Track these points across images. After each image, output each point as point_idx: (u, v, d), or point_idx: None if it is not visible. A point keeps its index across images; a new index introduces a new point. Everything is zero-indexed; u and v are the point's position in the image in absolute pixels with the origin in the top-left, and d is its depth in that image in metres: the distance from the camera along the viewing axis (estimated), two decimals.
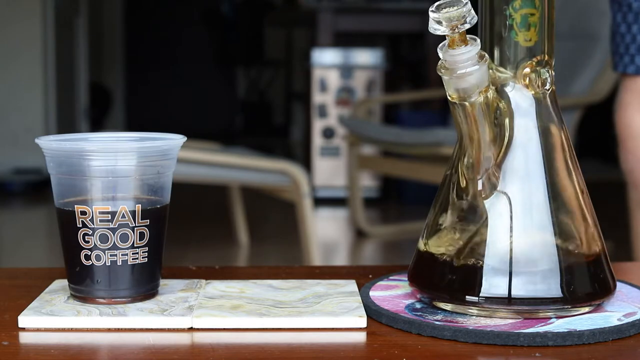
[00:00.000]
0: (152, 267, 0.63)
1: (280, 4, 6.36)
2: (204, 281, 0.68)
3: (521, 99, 0.60)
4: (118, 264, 0.62)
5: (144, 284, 0.63)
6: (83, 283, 0.62)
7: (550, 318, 0.59)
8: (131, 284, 0.62)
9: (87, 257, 0.62)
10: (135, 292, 0.63)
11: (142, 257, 0.62)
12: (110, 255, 0.61)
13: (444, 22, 0.55)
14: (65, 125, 5.13)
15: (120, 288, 0.62)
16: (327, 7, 4.36)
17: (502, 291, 0.59)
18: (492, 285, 0.59)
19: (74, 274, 0.63)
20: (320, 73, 4.30)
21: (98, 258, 0.61)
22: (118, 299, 0.62)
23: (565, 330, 0.56)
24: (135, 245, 0.62)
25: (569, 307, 0.59)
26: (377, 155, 3.94)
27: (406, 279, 0.64)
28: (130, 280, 0.62)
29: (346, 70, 4.30)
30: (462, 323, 0.58)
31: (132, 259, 0.62)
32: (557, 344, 0.56)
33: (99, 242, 0.61)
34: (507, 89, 0.60)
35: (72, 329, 0.59)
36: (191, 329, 0.59)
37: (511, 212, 0.59)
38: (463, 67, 0.56)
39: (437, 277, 0.61)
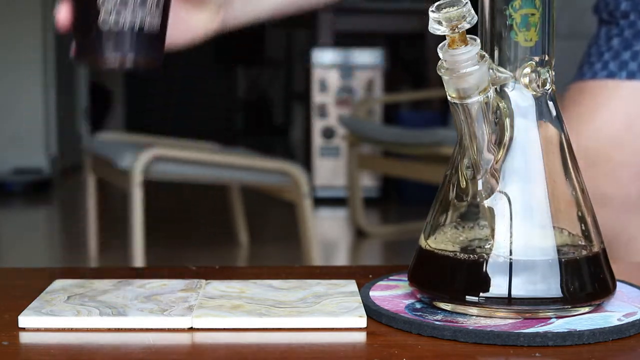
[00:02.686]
0: (162, 32, 0.64)
1: None
2: (204, 281, 0.68)
3: (521, 99, 0.60)
4: (133, 27, 0.62)
5: (154, 49, 0.63)
6: (94, 45, 0.62)
7: (550, 318, 0.59)
8: (141, 46, 0.63)
9: (104, 21, 0.62)
10: (145, 54, 0.63)
11: (155, 20, 0.63)
12: (125, 17, 0.62)
13: (444, 22, 0.55)
14: (66, 125, 5.13)
15: (131, 50, 0.62)
16: (327, 7, 4.36)
17: (502, 291, 0.59)
18: (492, 285, 0.59)
19: (86, 37, 0.63)
20: (320, 73, 4.30)
21: (113, 21, 0.62)
22: (126, 59, 0.62)
23: (565, 330, 0.56)
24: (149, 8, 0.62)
25: (569, 307, 0.59)
26: (377, 155, 3.95)
27: (406, 279, 0.64)
28: (141, 43, 0.63)
29: (346, 70, 4.30)
30: (462, 323, 0.58)
31: (146, 22, 0.62)
32: (557, 344, 0.56)
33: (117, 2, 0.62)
34: (507, 89, 0.60)
35: (72, 329, 0.59)
36: (191, 329, 0.59)
37: (511, 212, 0.59)
38: (463, 67, 0.56)
39: (437, 277, 0.61)
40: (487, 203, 0.60)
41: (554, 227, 0.60)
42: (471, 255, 0.60)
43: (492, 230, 0.60)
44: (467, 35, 0.56)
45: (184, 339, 0.58)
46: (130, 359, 0.55)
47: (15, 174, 4.69)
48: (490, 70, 0.58)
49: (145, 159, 2.50)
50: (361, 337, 0.58)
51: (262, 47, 7.06)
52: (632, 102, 1.00)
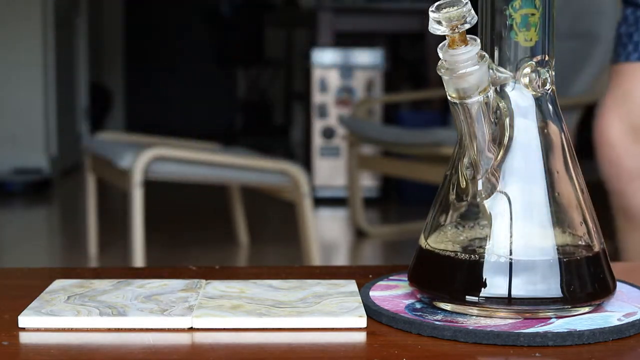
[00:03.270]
0: None
1: (280, 4, 6.36)
2: (204, 281, 0.68)
3: (521, 99, 0.60)
4: None
5: None
6: None
7: (550, 318, 0.59)
8: None
9: None
10: None
11: None
12: None
13: (444, 22, 0.55)
14: (66, 125, 5.13)
15: None
16: (327, 7, 4.36)
17: (502, 291, 0.59)
18: (492, 285, 0.59)
19: None
20: (320, 73, 4.30)
21: None
22: None
23: (565, 330, 0.57)
24: None
25: (569, 307, 0.59)
26: (377, 155, 3.94)
27: (406, 279, 0.64)
28: None
29: (346, 70, 4.29)
30: (462, 323, 0.58)
31: None
32: (557, 344, 0.56)
33: None
34: (507, 89, 0.60)
35: (72, 329, 0.59)
36: (191, 329, 0.59)
37: (511, 212, 0.59)
38: (463, 67, 0.56)
39: (437, 277, 0.61)
40: (487, 203, 0.60)
41: (554, 227, 0.60)
42: (471, 255, 0.60)
43: (492, 230, 0.60)
44: (467, 35, 0.56)
45: (184, 339, 0.58)
46: (130, 359, 0.55)
47: (15, 174, 4.69)
48: (490, 70, 0.58)
49: (145, 159, 2.50)
50: (361, 337, 0.58)
51: (262, 47, 7.05)
52: None
